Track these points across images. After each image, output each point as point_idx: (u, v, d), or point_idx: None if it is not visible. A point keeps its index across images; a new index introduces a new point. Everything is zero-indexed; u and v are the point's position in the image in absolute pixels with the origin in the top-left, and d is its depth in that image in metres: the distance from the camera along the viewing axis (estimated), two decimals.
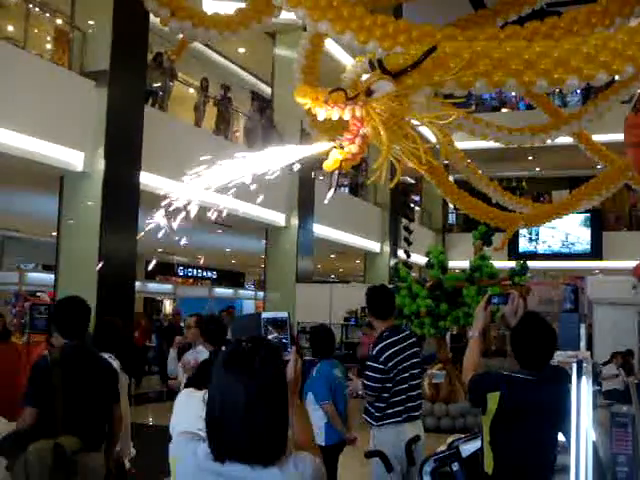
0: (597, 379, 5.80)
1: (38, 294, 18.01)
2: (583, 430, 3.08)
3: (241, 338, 2.18)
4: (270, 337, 2.44)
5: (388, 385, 5.14)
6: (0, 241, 22.25)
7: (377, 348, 5.22)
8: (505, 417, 3.53)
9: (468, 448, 3.75)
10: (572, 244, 28.33)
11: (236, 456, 2.05)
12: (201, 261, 28.60)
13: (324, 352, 6.05)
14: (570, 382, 3.48)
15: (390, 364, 5.14)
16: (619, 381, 9.99)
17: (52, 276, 12.80)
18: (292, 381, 2.36)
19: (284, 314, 2.49)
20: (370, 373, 5.22)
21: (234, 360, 2.12)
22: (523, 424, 3.56)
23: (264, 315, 2.49)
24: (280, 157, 3.72)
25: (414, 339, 5.49)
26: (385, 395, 5.16)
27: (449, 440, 4.67)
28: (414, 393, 5.28)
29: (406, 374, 5.21)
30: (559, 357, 4.13)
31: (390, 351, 5.17)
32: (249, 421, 2.04)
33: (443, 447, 4.70)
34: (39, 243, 20.53)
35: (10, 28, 14.14)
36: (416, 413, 5.29)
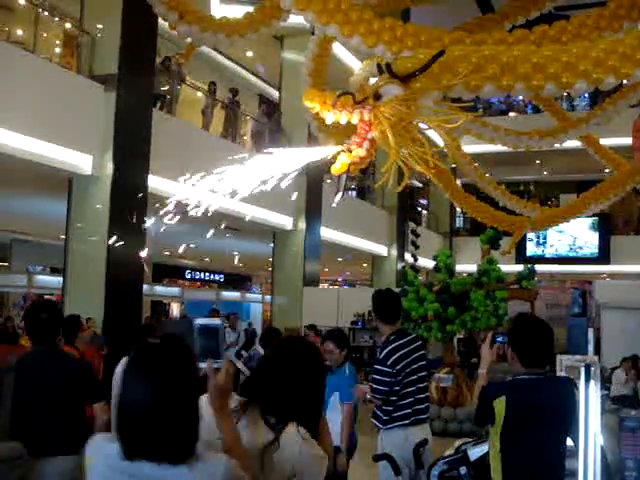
0: (605, 383, 5.79)
1: (46, 297, 18.06)
2: (591, 434, 3.07)
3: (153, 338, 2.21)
4: (201, 342, 2.45)
5: (396, 388, 5.15)
6: (9, 244, 22.31)
7: (384, 352, 5.23)
8: (515, 420, 3.52)
9: (476, 452, 3.75)
10: (580, 248, 28.26)
11: (144, 454, 2.05)
12: (207, 259, 28.61)
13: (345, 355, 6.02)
14: (572, 383, 3.49)
15: (398, 367, 5.16)
16: (628, 386, 9.97)
17: (60, 279, 12.84)
18: (223, 389, 2.36)
19: (218, 322, 2.47)
20: (378, 377, 5.22)
21: (142, 358, 2.14)
22: (533, 425, 3.55)
23: (198, 321, 2.48)
24: (288, 160, 3.73)
25: (420, 342, 5.51)
26: (393, 398, 5.17)
27: (457, 444, 4.67)
28: (421, 396, 5.29)
29: (414, 377, 5.22)
30: (567, 361, 4.13)
31: (397, 354, 5.19)
32: (155, 418, 2.04)
33: (451, 451, 4.70)
34: (47, 246, 20.59)
35: (20, 32, 14.20)
36: (423, 416, 5.29)
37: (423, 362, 5.39)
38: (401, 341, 5.28)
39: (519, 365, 3.68)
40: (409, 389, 5.19)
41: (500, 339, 3.88)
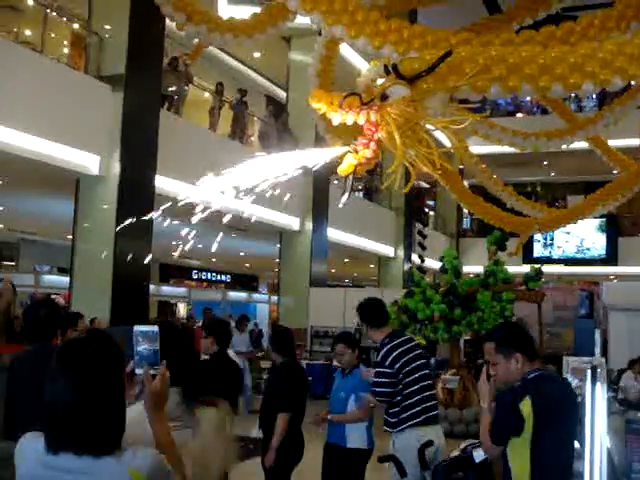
0: (612, 385, 5.78)
1: (53, 296, 18.12)
2: (597, 436, 3.07)
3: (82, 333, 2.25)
4: (139, 348, 2.46)
5: (400, 387, 5.17)
6: (16, 243, 22.39)
7: (381, 354, 5.28)
8: (544, 418, 3.48)
9: (481, 454, 3.74)
10: (587, 249, 28.20)
11: (67, 447, 2.08)
12: (213, 260, 28.64)
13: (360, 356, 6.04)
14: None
15: (396, 366, 5.19)
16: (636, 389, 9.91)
17: (67, 279, 12.87)
18: (158, 394, 2.40)
19: (155, 328, 2.50)
20: (378, 379, 5.24)
21: (66, 351, 2.17)
22: (559, 419, 3.53)
23: (137, 328, 2.51)
24: (294, 161, 3.73)
25: (416, 342, 5.54)
26: (398, 398, 5.18)
27: (462, 445, 4.66)
28: (427, 393, 5.29)
29: (416, 375, 5.23)
30: (574, 363, 4.12)
31: (394, 354, 5.22)
32: (77, 412, 2.07)
33: (456, 452, 4.69)
34: (55, 246, 20.66)
35: (28, 33, 14.24)
36: (432, 413, 5.29)
37: (423, 360, 5.40)
38: (396, 341, 5.31)
39: (527, 365, 3.67)
40: (413, 387, 5.20)
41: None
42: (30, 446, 2.19)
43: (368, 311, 5.54)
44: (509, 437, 3.57)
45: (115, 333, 2.39)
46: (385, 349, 5.26)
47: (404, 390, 5.18)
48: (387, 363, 5.19)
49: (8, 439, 4.10)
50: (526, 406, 3.48)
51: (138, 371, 2.45)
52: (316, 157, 3.87)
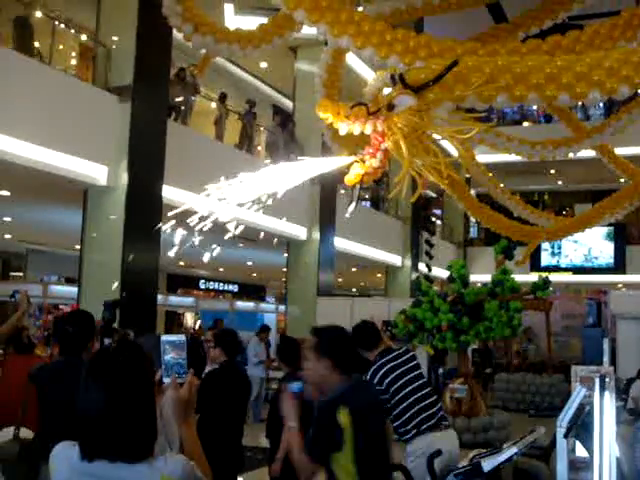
0: (621, 395, 5.76)
1: (61, 307, 18.16)
2: (606, 445, 3.06)
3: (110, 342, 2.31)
4: (167, 357, 2.50)
5: (391, 403, 5.22)
6: (24, 254, 22.45)
7: (370, 372, 5.33)
8: (360, 424, 3.44)
9: (489, 463, 3.73)
10: (595, 258, 28.12)
11: (102, 455, 2.12)
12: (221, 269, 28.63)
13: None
14: None
15: (386, 381, 5.24)
16: None
17: (75, 289, 12.89)
18: (186, 402, 2.44)
19: (182, 337, 2.54)
20: None
21: (98, 360, 2.22)
22: (374, 422, 3.58)
23: (164, 337, 2.55)
24: (302, 171, 3.74)
25: (411, 354, 5.58)
26: (395, 413, 5.24)
27: (470, 455, 4.66)
28: (425, 403, 5.31)
29: (408, 388, 5.28)
30: (582, 372, 4.11)
31: (382, 371, 5.28)
32: (110, 420, 2.11)
33: (464, 462, 4.68)
34: (63, 256, 20.71)
35: (36, 44, 14.32)
36: (436, 418, 5.30)
37: (417, 371, 5.44)
38: (386, 358, 5.37)
39: (336, 376, 3.60)
40: (408, 400, 5.24)
41: (295, 388, 3.65)
42: (64, 454, 2.23)
43: (359, 335, 5.57)
44: (330, 451, 3.48)
45: (145, 343, 2.42)
46: (374, 368, 5.34)
47: (400, 404, 5.24)
48: (376, 380, 5.26)
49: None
50: (343, 414, 3.42)
51: (165, 380, 2.48)
52: (323, 167, 3.88)
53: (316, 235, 18.79)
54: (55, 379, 4.18)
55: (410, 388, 5.28)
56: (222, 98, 17.22)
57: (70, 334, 4.18)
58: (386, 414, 5.19)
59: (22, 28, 11.60)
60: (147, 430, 2.18)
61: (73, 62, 13.58)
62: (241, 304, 27.92)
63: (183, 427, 2.45)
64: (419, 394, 5.31)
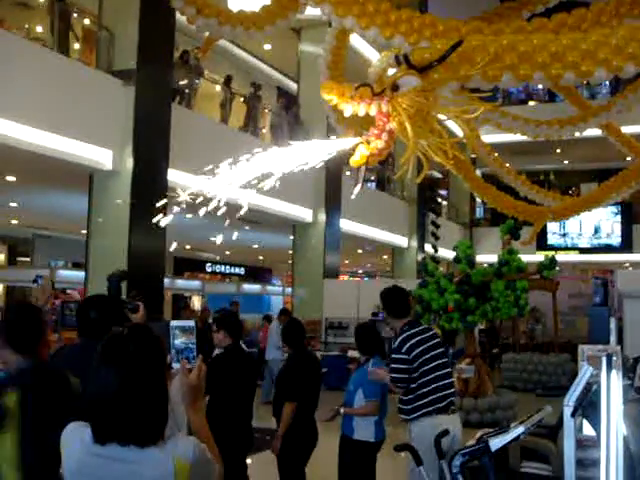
0: (628, 373, 5.76)
1: (68, 291, 18.23)
2: (613, 424, 3.06)
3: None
4: (176, 342, 2.52)
5: (414, 376, 5.18)
6: (31, 239, 22.51)
7: (398, 340, 5.29)
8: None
9: (497, 442, 3.74)
10: (601, 237, 28.08)
11: (114, 438, 2.14)
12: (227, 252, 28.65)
13: (372, 350, 6.01)
14: None
15: (413, 354, 5.19)
16: None
17: (82, 273, 12.94)
18: (195, 387, 2.46)
19: (192, 322, 2.57)
20: (395, 365, 5.26)
21: (110, 345, 2.22)
22: None
23: (173, 323, 2.57)
24: (307, 152, 3.74)
25: (434, 331, 5.55)
26: (412, 386, 5.20)
27: (478, 434, 4.66)
28: (443, 382, 5.29)
29: (432, 363, 5.24)
30: (589, 351, 4.11)
31: (412, 341, 5.24)
32: (123, 403, 2.13)
33: (472, 441, 4.69)
34: (69, 241, 20.76)
35: (39, 29, 14.29)
36: (448, 401, 5.29)
37: (440, 349, 5.41)
38: (414, 330, 5.33)
39: None
40: (429, 376, 5.21)
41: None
42: (76, 434, 2.24)
43: (391, 300, 5.55)
44: None
45: (154, 329, 2.43)
46: (403, 336, 5.28)
47: (420, 379, 5.19)
48: (404, 350, 5.21)
49: None
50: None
51: (175, 365, 2.51)
52: (328, 148, 3.87)
53: (322, 217, 18.81)
54: (72, 361, 4.20)
55: (434, 364, 5.27)
56: (227, 81, 17.18)
57: (92, 319, 4.18)
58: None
59: None
60: (159, 413, 2.20)
61: (76, 46, 13.53)
62: (248, 287, 27.98)
63: (191, 412, 2.47)
64: (440, 372, 5.30)
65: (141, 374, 2.17)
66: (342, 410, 5.82)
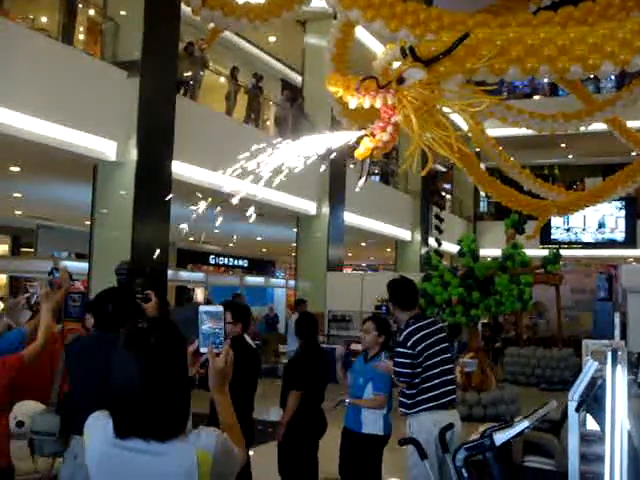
0: (632, 368, 5.75)
1: (73, 281, 18.21)
2: (618, 420, 3.05)
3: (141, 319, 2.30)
4: (204, 327, 2.51)
5: (418, 370, 5.14)
6: (34, 230, 22.53)
7: (404, 334, 5.23)
8: None
9: (501, 437, 3.74)
10: (606, 232, 28.03)
11: (135, 432, 2.13)
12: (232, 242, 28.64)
13: (383, 343, 5.99)
14: None
15: (418, 348, 5.14)
16: None
17: (86, 264, 12.94)
18: (222, 372, 2.46)
19: (220, 308, 2.56)
20: (399, 359, 5.22)
21: (131, 339, 2.20)
22: None
23: (202, 308, 2.56)
24: (312, 145, 3.72)
25: (440, 325, 5.50)
26: (416, 381, 5.16)
27: (481, 429, 4.67)
28: (446, 378, 5.26)
29: (437, 358, 5.20)
30: (593, 346, 4.10)
31: (417, 336, 5.18)
32: (145, 398, 2.11)
33: (476, 435, 4.69)
34: (73, 232, 20.77)
35: (44, 19, 14.28)
36: (449, 398, 5.26)
37: (445, 344, 5.37)
38: (420, 323, 5.28)
39: None
40: (433, 371, 5.17)
41: None
42: (99, 424, 2.24)
43: (398, 291, 5.49)
44: None
45: (184, 312, 2.42)
46: (409, 330, 5.22)
47: (423, 373, 5.16)
48: (409, 344, 5.16)
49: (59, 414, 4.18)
50: None
51: (203, 350, 2.50)
52: (333, 141, 3.86)
53: (326, 210, 18.80)
54: (89, 353, 4.20)
55: (439, 359, 5.22)
56: (233, 73, 17.15)
57: (110, 313, 4.18)
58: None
59: None
60: (181, 407, 2.19)
61: (81, 37, 13.51)
62: (251, 279, 27.99)
63: (219, 396, 2.47)
64: (443, 367, 5.26)
65: (163, 367, 2.15)
66: (347, 401, 5.81)
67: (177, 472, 2.12)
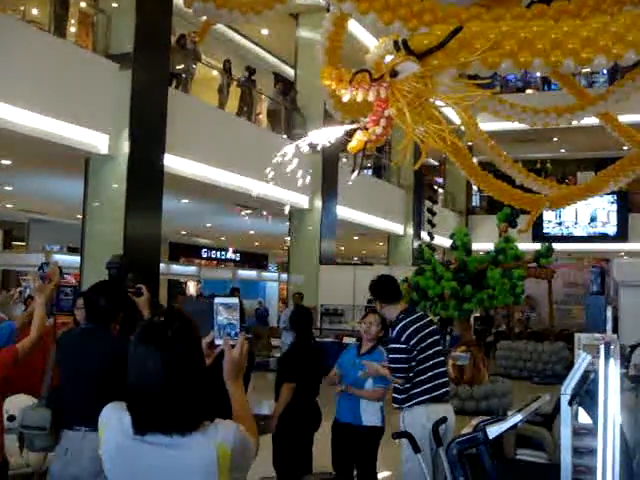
0: (624, 362, 5.77)
1: (65, 276, 18.18)
2: (610, 413, 3.06)
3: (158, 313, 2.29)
4: (220, 318, 2.50)
5: (412, 364, 5.15)
6: (26, 223, 22.46)
7: (396, 329, 5.22)
8: None
9: (494, 430, 3.74)
10: (598, 226, 28.11)
11: (154, 426, 2.12)
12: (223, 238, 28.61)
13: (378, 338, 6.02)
14: None
15: (412, 342, 5.14)
16: None
17: (78, 258, 12.90)
18: (237, 363, 2.45)
19: (235, 299, 2.56)
20: (394, 355, 5.21)
21: (147, 333, 2.20)
22: None
23: (217, 299, 2.55)
24: (306, 139, 3.72)
25: (430, 318, 5.53)
26: (410, 375, 5.17)
27: (474, 422, 4.68)
28: (439, 371, 5.26)
29: (429, 351, 5.20)
30: (585, 340, 4.11)
31: (410, 329, 5.18)
32: (162, 392, 2.11)
33: (468, 429, 4.70)
34: (64, 225, 20.71)
35: (35, 11, 14.19)
36: (442, 390, 5.26)
37: (437, 336, 5.38)
38: (411, 317, 5.28)
39: None
40: (426, 364, 5.17)
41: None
42: (115, 417, 2.22)
43: (381, 288, 5.51)
44: None
45: (198, 305, 2.42)
46: (401, 324, 5.22)
47: (417, 367, 5.15)
48: (403, 339, 5.15)
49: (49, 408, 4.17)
50: None
51: (218, 341, 2.50)
52: (326, 135, 3.85)
53: (318, 203, 18.78)
54: (81, 345, 4.19)
55: (432, 351, 5.23)
56: (227, 66, 17.09)
57: (102, 307, 4.17)
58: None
59: None
60: (199, 400, 2.18)
61: (73, 30, 13.44)
62: (243, 273, 27.97)
63: (233, 387, 2.47)
64: (435, 360, 5.27)
65: (182, 358, 2.15)
66: (344, 386, 5.81)
67: (199, 465, 2.12)
